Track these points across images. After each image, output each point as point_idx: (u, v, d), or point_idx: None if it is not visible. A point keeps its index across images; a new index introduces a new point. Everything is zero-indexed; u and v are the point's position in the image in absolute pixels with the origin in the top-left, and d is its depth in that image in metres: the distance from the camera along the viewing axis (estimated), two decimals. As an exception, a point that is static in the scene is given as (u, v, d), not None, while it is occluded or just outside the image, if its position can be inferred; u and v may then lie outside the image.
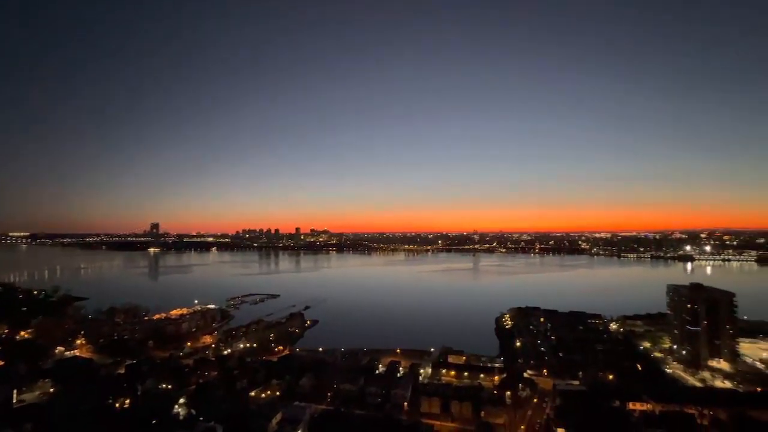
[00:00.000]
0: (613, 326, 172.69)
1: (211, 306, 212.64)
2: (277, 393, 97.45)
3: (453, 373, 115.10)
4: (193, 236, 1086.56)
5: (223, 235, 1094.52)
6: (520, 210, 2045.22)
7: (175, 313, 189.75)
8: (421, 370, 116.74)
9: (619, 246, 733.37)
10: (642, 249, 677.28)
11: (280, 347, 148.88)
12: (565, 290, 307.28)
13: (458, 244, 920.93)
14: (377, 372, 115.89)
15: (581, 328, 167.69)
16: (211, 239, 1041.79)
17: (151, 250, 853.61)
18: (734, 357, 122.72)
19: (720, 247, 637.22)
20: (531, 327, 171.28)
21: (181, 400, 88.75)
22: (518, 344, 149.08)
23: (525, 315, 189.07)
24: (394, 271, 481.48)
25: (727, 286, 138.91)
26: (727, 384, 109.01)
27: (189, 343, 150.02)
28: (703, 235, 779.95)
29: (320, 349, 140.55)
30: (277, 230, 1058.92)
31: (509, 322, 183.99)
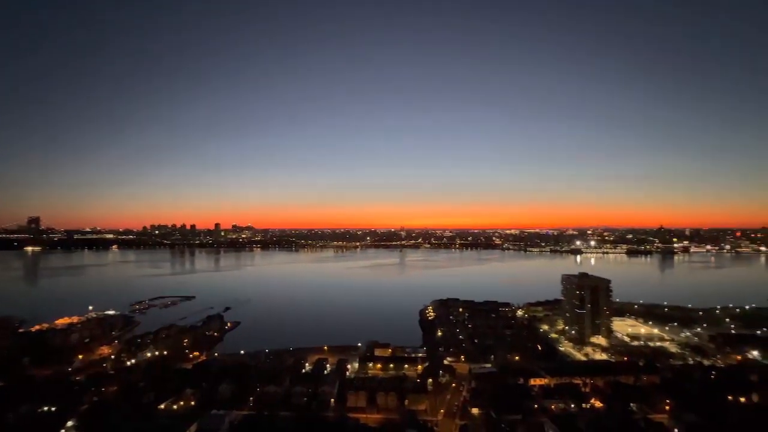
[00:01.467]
0: (520, 313, 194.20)
1: (111, 312, 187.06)
2: (192, 402, 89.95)
3: (379, 365, 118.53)
4: (87, 232, 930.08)
5: (127, 231, 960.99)
6: (444, 207, 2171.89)
7: (61, 322, 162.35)
8: (349, 366, 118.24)
9: (526, 241, 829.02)
10: (543, 244, 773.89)
11: (196, 353, 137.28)
12: (482, 282, 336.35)
13: (386, 240, 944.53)
14: (304, 371, 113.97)
15: (494, 315, 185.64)
16: (110, 236, 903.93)
17: (29, 249, 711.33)
18: (609, 333, 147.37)
19: (601, 242, 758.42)
20: (451, 317, 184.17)
21: (70, 423, 76.73)
22: (440, 334, 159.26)
23: (446, 306, 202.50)
24: (322, 267, 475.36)
25: (605, 274, 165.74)
26: (604, 356, 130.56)
27: (81, 356, 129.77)
28: (589, 232, 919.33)
29: (242, 352, 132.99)
30: (193, 226, 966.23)
31: (432, 314, 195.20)
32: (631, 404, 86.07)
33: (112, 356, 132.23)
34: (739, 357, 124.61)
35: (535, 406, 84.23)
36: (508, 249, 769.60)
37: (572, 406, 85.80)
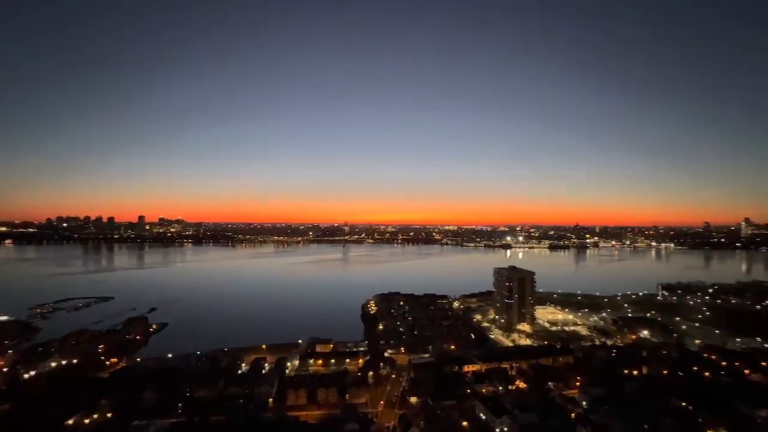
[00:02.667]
0: (456, 304, 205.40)
1: (3, 318, 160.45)
2: (109, 415, 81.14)
3: (320, 362, 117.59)
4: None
5: (25, 224, 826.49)
6: (387, 203, 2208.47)
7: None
8: (288, 364, 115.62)
9: (463, 237, 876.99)
10: (478, 239, 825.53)
11: (114, 359, 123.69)
12: (422, 275, 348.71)
13: (329, 235, 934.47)
14: (240, 372, 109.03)
15: (432, 308, 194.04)
16: (3, 228, 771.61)
17: None
18: (533, 321, 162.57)
19: (528, 237, 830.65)
20: (392, 311, 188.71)
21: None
22: (381, 327, 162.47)
23: (388, 300, 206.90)
24: (261, 264, 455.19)
25: (530, 267, 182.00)
26: (528, 341, 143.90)
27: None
28: (518, 229, 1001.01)
29: (170, 356, 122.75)
30: (111, 219, 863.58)
31: (374, 308, 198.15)
32: (549, 383, 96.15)
33: (5, 369, 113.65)
34: (634, 336, 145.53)
35: (468, 390, 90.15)
36: (447, 244, 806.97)
37: (500, 388, 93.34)
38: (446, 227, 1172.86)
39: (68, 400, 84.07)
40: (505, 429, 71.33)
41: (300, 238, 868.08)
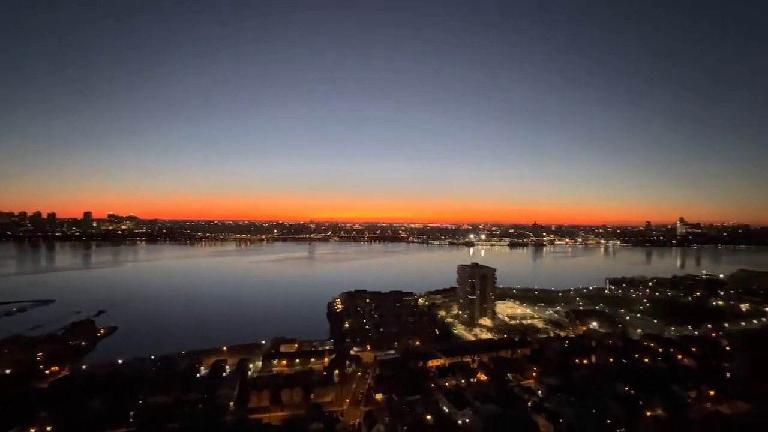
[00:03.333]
0: (421, 301, 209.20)
1: None
2: (49, 428, 74.63)
3: (285, 362, 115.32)
4: None
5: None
6: (353, 201, 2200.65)
7: None
8: (251, 365, 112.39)
9: (428, 235, 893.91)
10: (443, 237, 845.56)
11: (56, 368, 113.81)
12: (388, 273, 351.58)
13: (295, 233, 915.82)
14: (199, 376, 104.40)
15: (398, 305, 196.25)
16: None
17: None
18: (494, 315, 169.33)
19: (490, 235, 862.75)
20: (358, 308, 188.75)
21: None
22: (347, 325, 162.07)
23: (354, 298, 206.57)
24: (222, 262, 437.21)
25: (492, 264, 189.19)
26: (489, 335, 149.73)
27: None
28: (481, 227, 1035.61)
29: (120, 361, 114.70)
30: (52, 215, 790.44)
31: (340, 306, 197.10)
32: (509, 374, 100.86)
33: None
34: (584, 328, 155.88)
35: (432, 385, 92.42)
36: (413, 242, 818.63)
37: (462, 381, 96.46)
38: (412, 225, 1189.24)
39: (0, 415, 76.36)
40: (467, 420, 73.96)
41: (264, 236, 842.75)
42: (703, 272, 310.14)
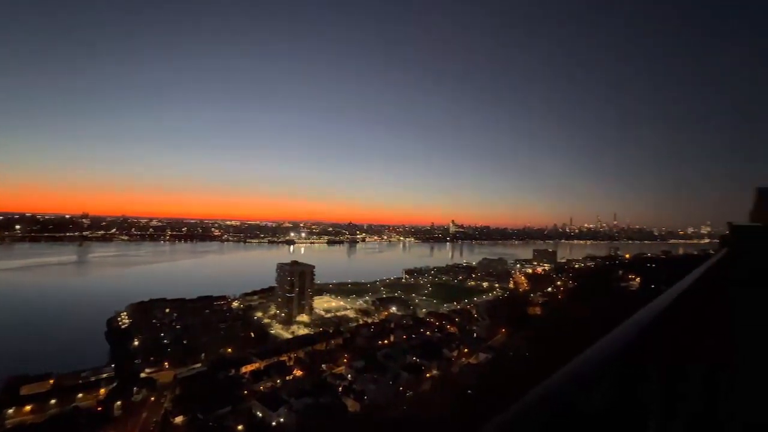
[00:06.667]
0: (235, 304, 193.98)
1: None
2: None
3: (30, 407, 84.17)
4: None
5: None
6: (150, 193, 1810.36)
7: None
8: (-39, 425, 76.62)
9: (246, 233, 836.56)
10: (263, 235, 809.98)
11: None
12: (197, 276, 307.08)
13: (53, 230, 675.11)
14: None
15: (207, 311, 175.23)
16: None
17: None
18: (311, 311, 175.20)
19: (310, 233, 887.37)
20: (154, 321, 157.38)
21: None
22: (136, 343, 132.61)
23: (146, 310, 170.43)
24: None
25: (311, 261, 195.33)
26: (306, 330, 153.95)
27: None
28: (301, 225, 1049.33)
29: None
30: None
31: (126, 322, 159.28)
32: (323, 365, 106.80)
33: None
34: (386, 313, 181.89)
35: (246, 392, 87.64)
36: (229, 240, 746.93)
37: (278, 381, 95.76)
38: (228, 222, 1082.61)
39: None
40: (282, 420, 74.08)
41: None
42: (464, 261, 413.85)
